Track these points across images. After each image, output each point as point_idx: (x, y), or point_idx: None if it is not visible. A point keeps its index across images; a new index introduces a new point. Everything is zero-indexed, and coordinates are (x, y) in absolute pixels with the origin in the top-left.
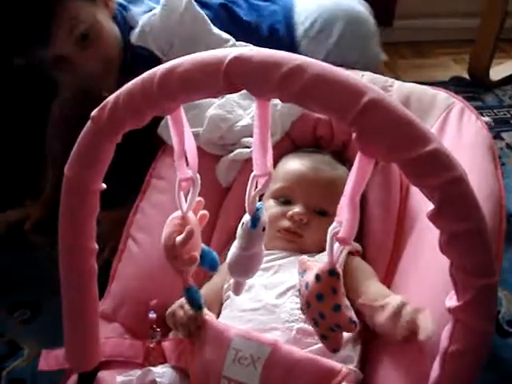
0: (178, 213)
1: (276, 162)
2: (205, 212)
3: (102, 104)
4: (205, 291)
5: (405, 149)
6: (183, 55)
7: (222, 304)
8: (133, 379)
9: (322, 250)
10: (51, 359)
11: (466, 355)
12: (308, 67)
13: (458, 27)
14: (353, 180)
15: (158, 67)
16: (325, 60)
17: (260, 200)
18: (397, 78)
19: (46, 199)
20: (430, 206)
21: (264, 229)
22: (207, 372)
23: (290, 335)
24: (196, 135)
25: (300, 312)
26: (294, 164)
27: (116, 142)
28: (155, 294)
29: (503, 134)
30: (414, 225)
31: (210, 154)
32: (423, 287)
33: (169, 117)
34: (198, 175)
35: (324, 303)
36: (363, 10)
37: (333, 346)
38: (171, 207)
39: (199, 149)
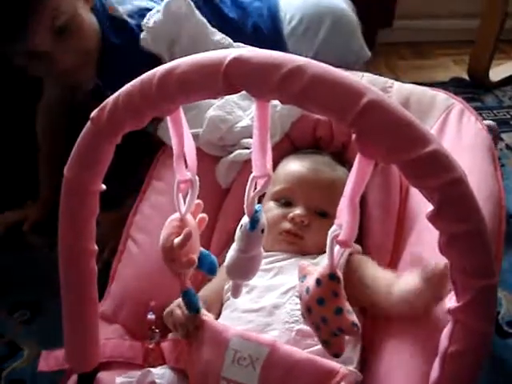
0: (177, 215)
1: (275, 164)
2: (204, 215)
3: (101, 105)
4: (204, 292)
5: (404, 150)
6: None
7: (221, 305)
8: (132, 381)
9: (323, 251)
10: (51, 360)
11: (465, 356)
12: (308, 68)
13: (458, 28)
14: (352, 181)
15: (157, 68)
16: (314, 58)
17: (259, 202)
18: (396, 79)
19: (43, 200)
20: (430, 207)
21: (263, 231)
22: (206, 372)
23: (289, 336)
24: (195, 136)
25: (300, 313)
26: (294, 165)
27: (115, 143)
28: (155, 295)
29: (503, 135)
30: (413, 226)
31: (209, 156)
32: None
33: (168, 118)
34: (196, 177)
35: (325, 307)
36: (347, 7)
37: (335, 350)
38: (171, 208)
39: (198, 150)
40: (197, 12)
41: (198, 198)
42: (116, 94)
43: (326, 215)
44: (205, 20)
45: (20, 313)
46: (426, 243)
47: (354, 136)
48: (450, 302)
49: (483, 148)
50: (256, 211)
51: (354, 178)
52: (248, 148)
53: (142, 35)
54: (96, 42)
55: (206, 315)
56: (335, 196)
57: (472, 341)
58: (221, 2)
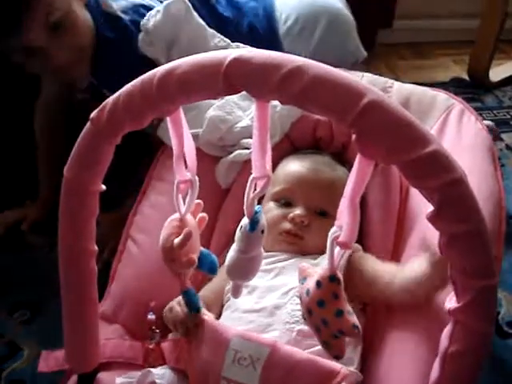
0: (177, 215)
1: (275, 164)
2: (204, 215)
3: (101, 105)
4: (204, 293)
5: (404, 150)
6: None
7: (222, 305)
8: (132, 381)
9: (324, 251)
10: (51, 360)
11: (465, 356)
12: (308, 69)
13: (458, 28)
14: (352, 181)
15: (158, 69)
16: (311, 58)
17: (259, 202)
18: (396, 79)
19: (42, 200)
20: (430, 208)
21: (263, 232)
22: (206, 372)
23: (290, 336)
24: (195, 136)
25: (301, 313)
26: (294, 166)
27: (115, 144)
28: (155, 295)
29: (503, 135)
30: (413, 226)
31: (209, 156)
32: None
33: (168, 118)
34: (196, 177)
35: (326, 309)
36: (342, 6)
37: (335, 352)
38: (171, 208)
39: (198, 150)
40: (196, 14)
41: (198, 198)
42: (116, 95)
43: (326, 215)
44: (203, 22)
45: (20, 313)
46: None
47: (353, 136)
48: (450, 302)
49: (483, 148)
50: (256, 212)
51: (354, 178)
52: (248, 148)
53: (140, 37)
54: (90, 38)
55: (206, 314)
56: (335, 196)
57: (472, 341)
58: (216, 1)
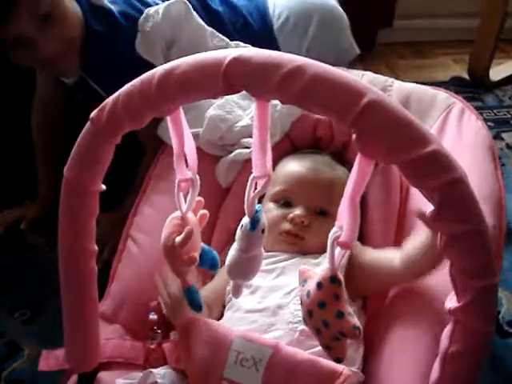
0: (178, 213)
1: (275, 164)
2: (205, 211)
3: (101, 105)
4: (204, 292)
5: (404, 150)
6: None
7: (223, 305)
8: (133, 382)
9: (325, 250)
10: (51, 359)
11: (466, 356)
12: (308, 68)
13: (458, 27)
14: (353, 181)
15: (157, 68)
16: (306, 55)
17: (259, 202)
18: (396, 79)
19: (42, 200)
20: (430, 208)
21: (263, 231)
22: (207, 373)
23: (293, 336)
24: (195, 136)
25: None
26: (293, 166)
27: (115, 144)
28: (155, 295)
29: (503, 135)
30: (413, 226)
31: (209, 155)
32: (423, 287)
33: (168, 118)
34: (197, 176)
35: (327, 310)
36: (335, 3)
37: (337, 355)
38: (171, 208)
39: (199, 149)
40: (195, 14)
41: (199, 196)
42: (115, 95)
43: (325, 214)
44: (203, 22)
45: (20, 313)
46: None
47: (354, 136)
48: (451, 302)
49: (483, 147)
50: (256, 211)
51: (354, 178)
52: (248, 147)
53: (137, 39)
54: (79, 30)
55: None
56: (335, 195)
57: (472, 341)
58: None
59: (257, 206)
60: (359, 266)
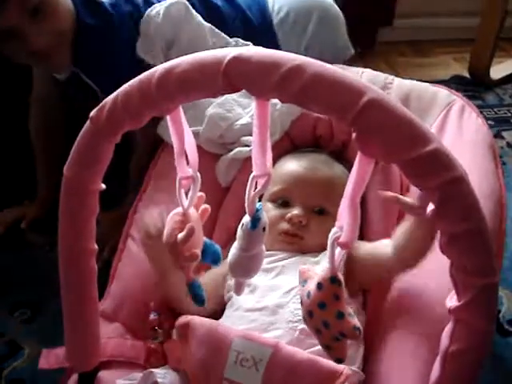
0: (180, 209)
1: (274, 163)
2: (206, 206)
3: (100, 104)
4: (204, 280)
5: (404, 149)
6: None
7: (220, 296)
8: (134, 383)
9: (324, 248)
10: (51, 358)
11: (466, 355)
12: (307, 67)
13: (459, 26)
14: (353, 181)
15: (157, 67)
16: (306, 52)
17: (259, 200)
18: (397, 77)
19: (41, 200)
20: (430, 206)
21: (264, 229)
22: (208, 373)
23: (293, 335)
24: (195, 134)
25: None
26: (291, 165)
27: (115, 142)
28: (155, 294)
29: (504, 133)
30: None
31: (209, 154)
32: (423, 287)
33: (168, 117)
34: (198, 173)
35: (327, 311)
36: (332, 1)
37: (337, 355)
38: (171, 207)
39: (198, 148)
40: (195, 13)
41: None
42: (115, 94)
43: (324, 212)
44: (203, 21)
45: (20, 312)
46: None
47: (354, 135)
48: (451, 301)
49: (484, 145)
50: (257, 210)
51: (354, 177)
52: (248, 146)
53: (138, 42)
54: (70, 23)
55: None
56: (333, 193)
57: (473, 340)
58: None
59: (257, 205)
60: (354, 260)
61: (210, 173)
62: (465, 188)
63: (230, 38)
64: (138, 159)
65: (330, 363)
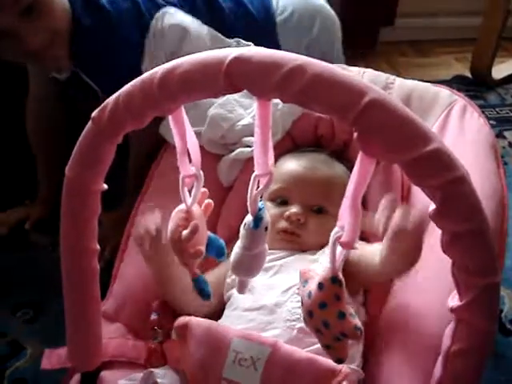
0: (183, 206)
1: (275, 162)
2: (209, 201)
3: (102, 105)
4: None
5: (406, 149)
6: None
7: (221, 294)
8: (134, 383)
9: (322, 247)
10: (54, 358)
11: (468, 355)
12: (308, 67)
13: (460, 26)
14: (354, 180)
15: (158, 68)
16: (307, 54)
17: (261, 199)
18: (398, 77)
19: (42, 200)
20: (432, 206)
21: (266, 228)
22: (206, 373)
23: (291, 334)
24: (197, 134)
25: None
26: (290, 164)
27: (117, 143)
28: (157, 294)
29: (506, 133)
30: None
31: (211, 154)
32: (425, 286)
33: (170, 117)
34: (201, 171)
35: (327, 311)
36: (330, 9)
37: (338, 355)
38: (173, 207)
39: (200, 148)
40: (194, 30)
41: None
42: (117, 94)
43: (322, 211)
44: (202, 29)
45: (23, 312)
46: (427, 242)
47: (355, 134)
48: (453, 300)
49: (486, 145)
50: (259, 209)
51: (356, 176)
52: (250, 146)
53: (143, 62)
54: (66, 22)
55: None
56: (332, 192)
57: (475, 339)
58: None
59: (260, 204)
60: (349, 264)
61: (212, 173)
62: (466, 188)
63: (231, 33)
64: (134, 159)
65: (328, 362)
